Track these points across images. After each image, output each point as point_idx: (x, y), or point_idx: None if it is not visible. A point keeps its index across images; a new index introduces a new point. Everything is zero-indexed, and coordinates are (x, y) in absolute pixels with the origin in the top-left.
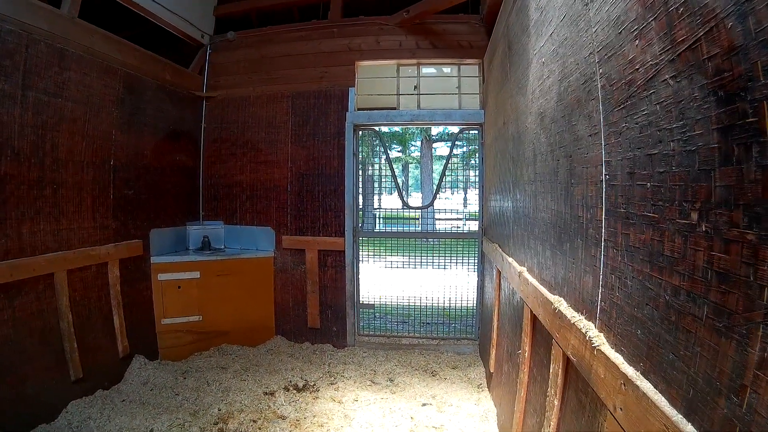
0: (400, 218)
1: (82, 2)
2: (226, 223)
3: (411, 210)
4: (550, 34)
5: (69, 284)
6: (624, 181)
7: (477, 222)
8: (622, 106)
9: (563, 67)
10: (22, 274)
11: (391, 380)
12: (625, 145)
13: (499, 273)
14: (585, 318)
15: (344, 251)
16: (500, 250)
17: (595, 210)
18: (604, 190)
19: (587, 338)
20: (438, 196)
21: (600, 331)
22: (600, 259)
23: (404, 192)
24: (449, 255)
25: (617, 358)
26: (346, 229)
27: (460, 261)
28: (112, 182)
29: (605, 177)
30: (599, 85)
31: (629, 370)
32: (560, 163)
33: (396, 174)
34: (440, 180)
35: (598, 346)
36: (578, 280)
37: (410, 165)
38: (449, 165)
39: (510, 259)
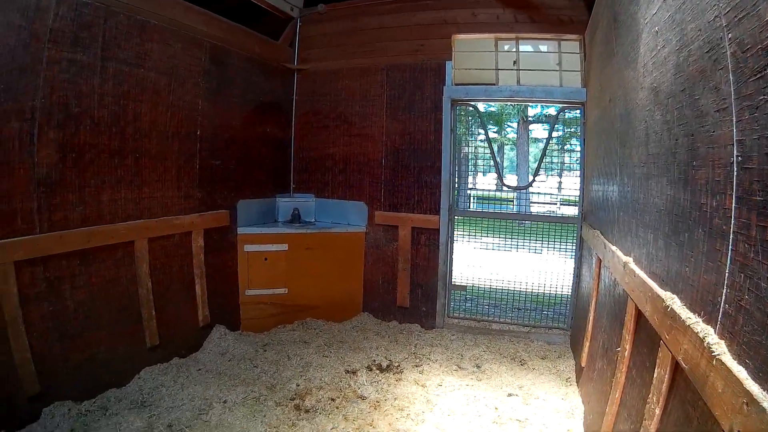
0: (494, 199)
1: None
2: (318, 197)
3: (506, 191)
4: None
5: (150, 252)
6: (762, 163)
7: (573, 207)
8: (758, 76)
9: (682, 34)
10: (100, 241)
11: (478, 366)
12: (763, 121)
13: (600, 261)
14: (703, 321)
15: (438, 229)
16: (602, 237)
17: (723, 197)
18: (735, 173)
19: (705, 344)
20: (536, 178)
21: (721, 338)
22: (726, 255)
23: (494, 150)
24: (545, 239)
25: (740, 372)
26: (441, 206)
27: (556, 246)
28: (198, 152)
29: (737, 158)
30: (728, 53)
31: (754, 388)
32: (679, 143)
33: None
34: (540, 160)
35: (718, 355)
36: (697, 276)
37: (505, 147)
38: (548, 147)
39: (613, 248)
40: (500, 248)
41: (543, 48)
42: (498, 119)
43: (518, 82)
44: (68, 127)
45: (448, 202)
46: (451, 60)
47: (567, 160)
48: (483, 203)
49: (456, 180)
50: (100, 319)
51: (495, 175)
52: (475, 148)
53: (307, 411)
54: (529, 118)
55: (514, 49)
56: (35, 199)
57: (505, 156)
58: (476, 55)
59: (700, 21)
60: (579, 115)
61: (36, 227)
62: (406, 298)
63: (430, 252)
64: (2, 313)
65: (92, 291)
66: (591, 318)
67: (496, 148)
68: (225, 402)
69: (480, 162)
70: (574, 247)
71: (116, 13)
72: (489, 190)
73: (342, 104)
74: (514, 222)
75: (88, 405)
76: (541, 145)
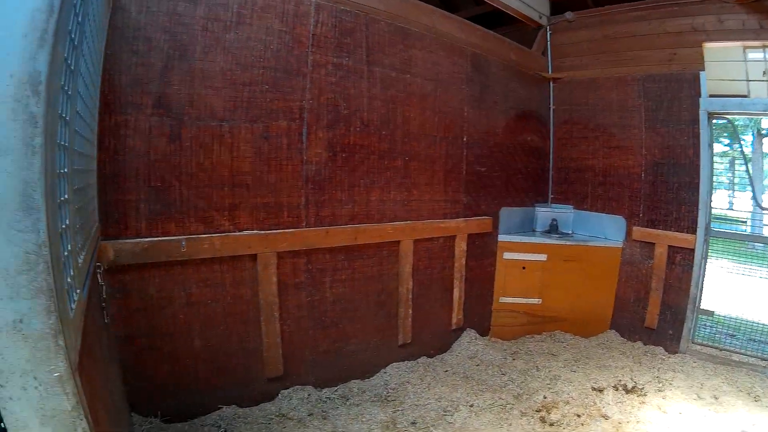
0: (725, 219)
1: None
2: (576, 208)
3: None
4: None
5: (414, 253)
6: None
7: None
8: None
9: None
10: (367, 239)
11: (716, 398)
12: None
13: None
14: None
15: (693, 250)
16: None
17: None
18: None
19: None
20: None
21: None
22: None
23: (754, 189)
24: None
25: None
26: (698, 225)
27: None
28: (464, 158)
29: None
30: None
31: None
32: None
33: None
34: None
35: None
36: None
37: (736, 162)
38: None
39: None
40: (738, 273)
41: None
42: (731, 131)
43: None
44: (338, 127)
45: (705, 222)
46: (703, 70)
47: None
48: (715, 222)
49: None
50: (356, 313)
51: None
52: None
53: (551, 424)
54: (763, 131)
55: (762, 58)
56: (303, 195)
57: (735, 172)
58: (723, 64)
59: None
60: None
61: (303, 221)
62: (654, 319)
63: (683, 273)
64: (258, 298)
65: (353, 285)
66: None
67: (728, 163)
68: (471, 406)
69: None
70: None
71: (377, 21)
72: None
73: (599, 115)
74: (744, 243)
75: (328, 392)
76: None
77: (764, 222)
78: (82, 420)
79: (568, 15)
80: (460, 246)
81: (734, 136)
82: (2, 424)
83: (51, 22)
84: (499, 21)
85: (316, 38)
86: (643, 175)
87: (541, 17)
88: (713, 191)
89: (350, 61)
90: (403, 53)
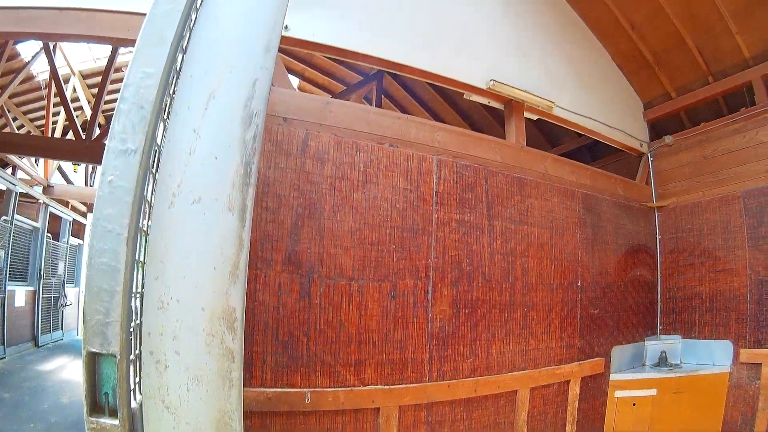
0: None
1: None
2: (684, 337)
3: None
4: None
5: (530, 400)
6: None
7: None
8: None
9: None
10: (486, 391)
11: None
12: None
13: None
14: None
15: None
16: None
17: None
18: None
19: None
20: None
21: None
22: None
23: None
24: None
25: None
26: None
27: None
28: (579, 302)
29: None
30: None
31: None
32: None
33: None
34: None
35: None
36: None
37: None
38: None
39: None
40: None
41: None
42: None
43: None
44: (462, 283)
45: None
46: None
47: None
48: None
49: None
50: None
51: None
52: None
53: None
54: None
55: None
56: (427, 351)
57: None
58: None
59: None
60: None
61: (426, 376)
62: None
63: None
64: None
65: None
66: None
67: None
68: None
69: None
70: None
71: (495, 173)
72: None
73: (705, 239)
74: None
75: None
76: None
77: None
78: None
79: (668, 139)
80: (574, 390)
81: None
82: None
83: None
84: (602, 151)
85: (440, 195)
86: (748, 295)
87: (641, 145)
88: None
89: (472, 217)
90: (521, 204)
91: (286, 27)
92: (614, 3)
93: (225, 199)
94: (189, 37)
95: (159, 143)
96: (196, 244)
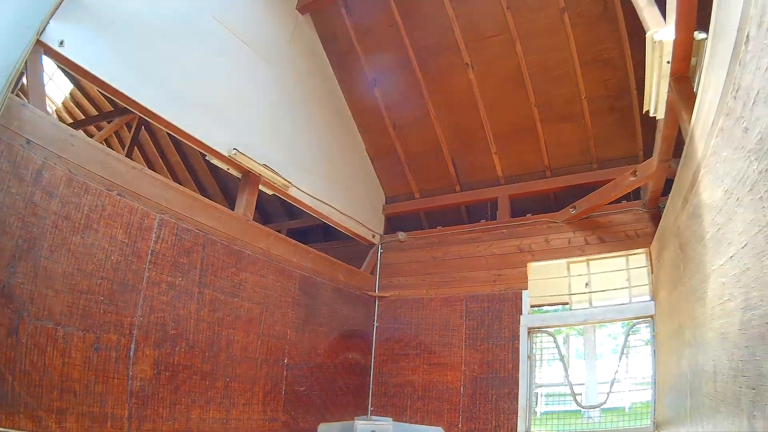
0: (559, 395)
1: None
2: (396, 420)
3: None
4: (731, 256)
5: None
6: None
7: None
8: None
9: (746, 296)
10: None
11: None
12: None
13: None
14: None
15: None
16: None
17: None
18: None
19: None
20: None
21: None
22: None
23: (568, 370)
24: None
25: None
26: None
27: None
28: (284, 379)
29: None
30: None
31: None
32: (742, 392)
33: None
34: (614, 378)
35: None
36: None
37: (571, 336)
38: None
39: None
40: None
41: (611, 266)
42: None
43: (591, 303)
44: (164, 346)
45: (525, 427)
46: (526, 288)
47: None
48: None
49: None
50: None
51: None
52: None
53: None
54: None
55: (586, 271)
56: (128, 408)
57: (570, 345)
58: (550, 280)
59: (764, 292)
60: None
61: None
62: None
63: None
64: None
65: None
66: None
67: (562, 340)
68: None
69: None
70: None
71: (214, 242)
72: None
73: (423, 333)
74: None
75: None
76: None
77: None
78: None
79: (401, 236)
80: None
81: (558, 350)
82: None
83: None
84: (339, 232)
85: (155, 255)
86: (462, 389)
87: (374, 236)
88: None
89: (184, 281)
90: (235, 276)
91: (61, 42)
92: (384, 101)
93: None
94: None
95: None
96: None
